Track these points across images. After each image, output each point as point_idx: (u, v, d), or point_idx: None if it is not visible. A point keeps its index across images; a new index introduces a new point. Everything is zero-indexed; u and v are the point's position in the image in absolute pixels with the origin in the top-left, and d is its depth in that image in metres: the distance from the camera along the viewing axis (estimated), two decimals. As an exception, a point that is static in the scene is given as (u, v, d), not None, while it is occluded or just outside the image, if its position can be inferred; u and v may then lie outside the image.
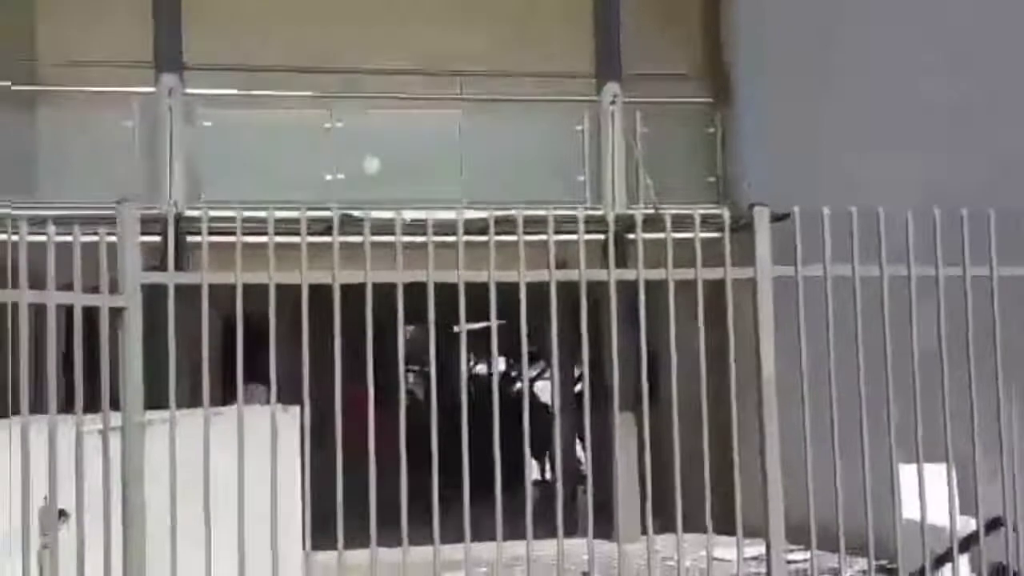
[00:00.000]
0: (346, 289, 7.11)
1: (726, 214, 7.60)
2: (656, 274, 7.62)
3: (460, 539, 7.13)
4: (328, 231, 7.07)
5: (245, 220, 7.04)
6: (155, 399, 6.93)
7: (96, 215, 6.63)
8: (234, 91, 12.76)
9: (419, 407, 7.37)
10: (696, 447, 7.52)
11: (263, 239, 6.96)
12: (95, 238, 6.23)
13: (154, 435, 6.64)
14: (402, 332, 7.24)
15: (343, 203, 9.81)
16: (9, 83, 12.28)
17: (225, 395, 7.01)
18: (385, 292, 7.16)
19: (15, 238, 6.00)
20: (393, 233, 7.14)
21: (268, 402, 6.93)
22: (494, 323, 7.51)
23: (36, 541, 6.05)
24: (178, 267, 7.25)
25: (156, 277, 6.74)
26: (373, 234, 7.16)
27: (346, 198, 11.27)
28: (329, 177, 12.56)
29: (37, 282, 6.04)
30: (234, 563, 6.74)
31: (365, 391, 7.13)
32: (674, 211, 7.82)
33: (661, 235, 7.53)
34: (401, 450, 7.13)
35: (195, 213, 7.82)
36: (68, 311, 6.14)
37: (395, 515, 7.06)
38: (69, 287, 6.17)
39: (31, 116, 12.53)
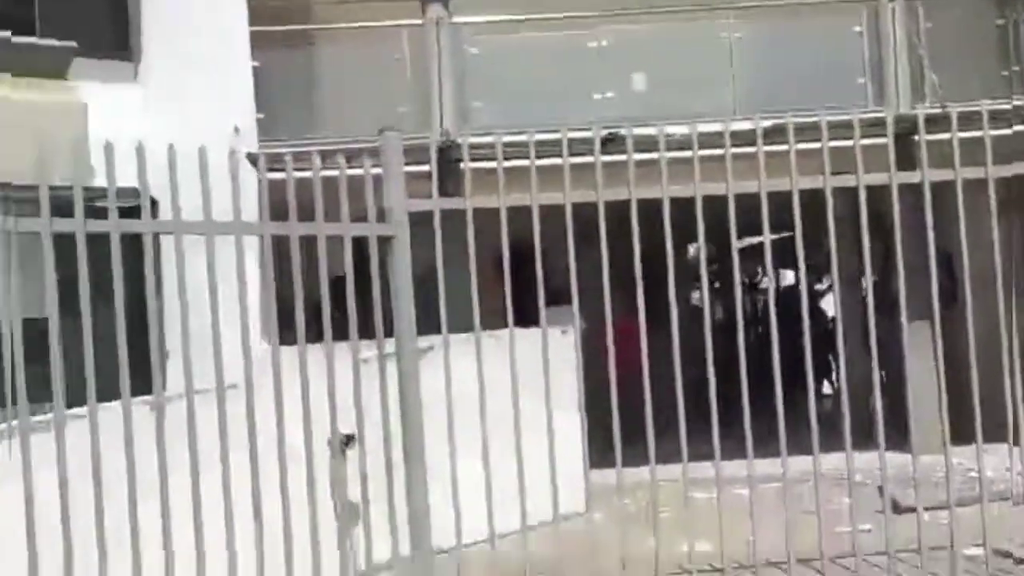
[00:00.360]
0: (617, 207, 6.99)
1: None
2: (943, 175, 7.21)
3: (742, 455, 6.98)
4: (593, 151, 7.00)
5: (513, 144, 7.04)
6: (429, 325, 7.03)
7: (367, 147, 6.71)
8: (499, 17, 12.73)
9: (704, 323, 7.19)
10: (995, 353, 7.11)
11: (528, 163, 6.93)
12: (361, 171, 6.29)
13: (429, 360, 6.72)
14: (670, 247, 7.08)
15: (612, 121, 9.68)
16: (287, 25, 12.62)
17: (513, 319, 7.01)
18: (660, 209, 7.03)
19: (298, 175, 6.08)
20: (659, 149, 6.99)
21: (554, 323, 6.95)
22: (767, 236, 7.26)
23: (325, 465, 6.22)
24: (450, 195, 7.27)
25: (421, 204, 6.78)
26: (638, 151, 7.03)
27: (614, 116, 11.08)
28: (597, 96, 12.42)
29: (314, 217, 6.15)
30: (514, 483, 6.79)
31: (634, 313, 7.02)
32: (960, 109, 7.34)
33: (947, 135, 7.13)
34: (676, 366, 7.01)
35: (461, 140, 7.87)
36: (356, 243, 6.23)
37: (674, 433, 6.96)
38: (360, 219, 6.27)
39: (308, 55, 12.86)
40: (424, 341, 6.67)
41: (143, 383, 5.55)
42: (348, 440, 6.37)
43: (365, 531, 6.08)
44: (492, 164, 7.00)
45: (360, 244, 6.31)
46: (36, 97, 10.51)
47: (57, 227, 5.22)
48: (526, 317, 7.06)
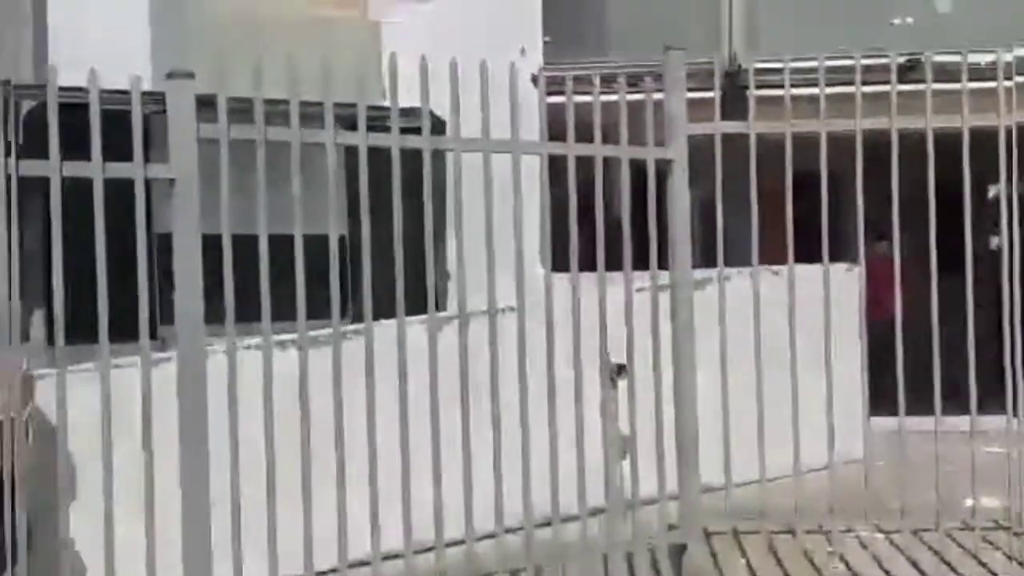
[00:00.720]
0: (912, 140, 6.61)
1: None
2: None
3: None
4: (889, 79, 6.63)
5: (802, 71, 6.73)
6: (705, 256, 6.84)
7: (650, 71, 6.54)
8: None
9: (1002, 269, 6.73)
10: None
11: (817, 91, 6.62)
12: (641, 96, 6.12)
13: (704, 293, 6.54)
14: (967, 184, 6.65)
15: (911, 47, 9.16)
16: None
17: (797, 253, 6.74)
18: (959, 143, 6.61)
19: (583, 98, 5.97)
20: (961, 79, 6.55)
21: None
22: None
23: (594, 394, 6.15)
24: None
25: (702, 127, 6.56)
26: (939, 80, 6.61)
27: (914, 42, 10.51)
28: (896, 20, 11.81)
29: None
30: (788, 424, 6.57)
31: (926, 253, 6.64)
32: None
33: None
34: (969, 312, 6.61)
35: (746, 65, 7.59)
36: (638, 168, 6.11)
37: (964, 382, 6.59)
38: (638, 143, 6.14)
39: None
40: (700, 273, 6.49)
41: (422, 302, 5.58)
42: (619, 371, 6.29)
43: (632, 464, 5.99)
44: (780, 92, 6.71)
45: (641, 170, 6.16)
46: (331, 14, 10.75)
47: (341, 140, 5.30)
48: (808, 252, 6.76)
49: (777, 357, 6.56)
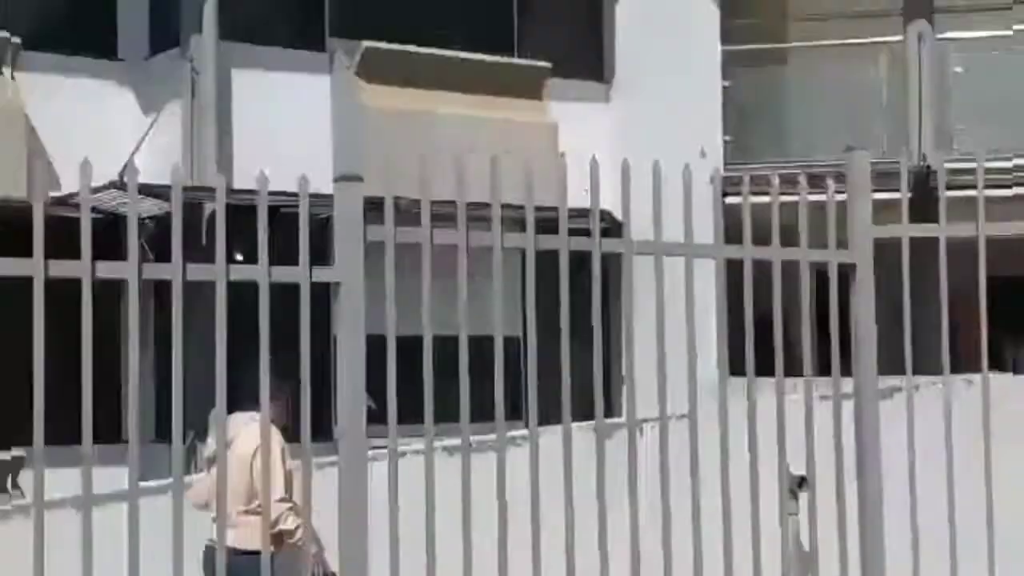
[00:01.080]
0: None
1: None
2: None
3: None
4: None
5: (996, 171, 6.42)
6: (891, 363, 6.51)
7: (833, 171, 6.31)
8: (988, 33, 11.84)
9: None
10: None
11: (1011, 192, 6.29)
12: (823, 197, 5.88)
13: (891, 403, 6.20)
14: None
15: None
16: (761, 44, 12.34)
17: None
18: None
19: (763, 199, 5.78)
20: None
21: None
22: None
23: (772, 507, 5.86)
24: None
25: (888, 230, 6.27)
26: None
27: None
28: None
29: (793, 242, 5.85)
30: (981, 539, 6.14)
31: None
32: None
33: None
34: None
35: (936, 166, 7.28)
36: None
37: None
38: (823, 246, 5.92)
39: (779, 75, 12.52)
40: (887, 382, 6.16)
41: (592, 407, 5.41)
42: (800, 483, 5.99)
43: (814, 583, 5.67)
44: (973, 193, 6.38)
45: (823, 274, 5.92)
46: (510, 116, 10.80)
47: (508, 243, 5.22)
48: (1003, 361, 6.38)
49: (968, 470, 6.16)
